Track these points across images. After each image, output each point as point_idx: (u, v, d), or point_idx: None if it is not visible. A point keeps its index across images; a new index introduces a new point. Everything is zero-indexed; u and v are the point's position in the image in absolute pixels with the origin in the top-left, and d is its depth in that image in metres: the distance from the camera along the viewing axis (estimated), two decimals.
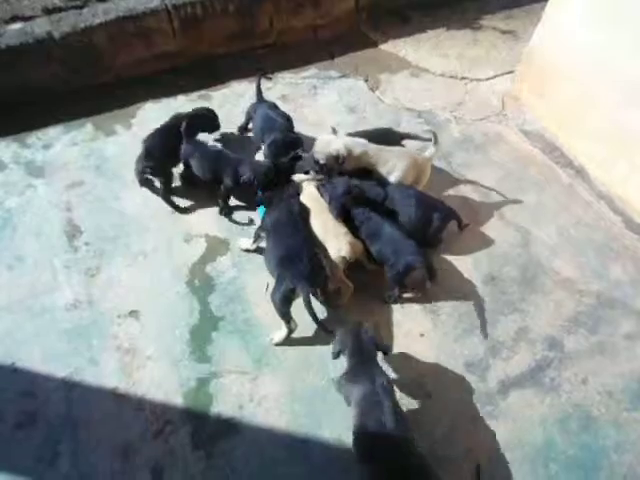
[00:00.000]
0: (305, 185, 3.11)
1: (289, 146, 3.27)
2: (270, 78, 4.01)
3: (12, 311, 2.80)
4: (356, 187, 2.96)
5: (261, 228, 2.98)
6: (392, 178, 3.16)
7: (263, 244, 2.96)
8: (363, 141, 3.20)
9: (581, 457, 2.43)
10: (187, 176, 3.39)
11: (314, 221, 2.89)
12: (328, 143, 3.11)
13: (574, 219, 3.42)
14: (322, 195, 3.01)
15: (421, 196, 3.06)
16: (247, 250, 3.09)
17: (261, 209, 3.10)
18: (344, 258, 2.74)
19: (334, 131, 3.25)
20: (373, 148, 3.17)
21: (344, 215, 2.91)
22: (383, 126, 3.73)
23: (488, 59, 4.68)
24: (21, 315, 2.79)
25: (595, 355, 2.79)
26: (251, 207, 3.33)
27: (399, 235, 2.83)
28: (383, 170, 3.17)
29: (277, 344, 2.71)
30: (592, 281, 3.09)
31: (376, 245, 2.87)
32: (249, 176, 3.12)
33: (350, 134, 3.33)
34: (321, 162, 3.11)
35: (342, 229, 2.85)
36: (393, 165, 3.15)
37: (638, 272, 3.15)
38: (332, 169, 3.14)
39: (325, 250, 2.81)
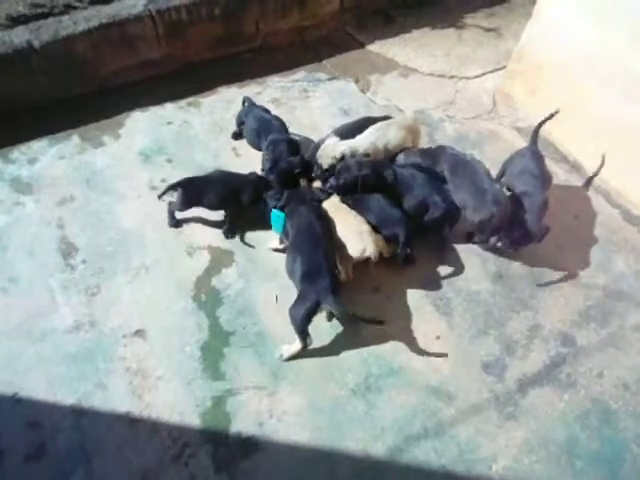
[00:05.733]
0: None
1: (288, 146, 3.25)
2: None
3: (10, 337, 2.65)
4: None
5: (284, 234, 2.91)
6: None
7: None
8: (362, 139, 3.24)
9: (604, 451, 2.44)
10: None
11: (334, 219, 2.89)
12: (333, 148, 3.12)
13: (574, 214, 3.45)
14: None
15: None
16: (276, 250, 3.04)
17: (274, 214, 3.01)
18: (366, 257, 2.76)
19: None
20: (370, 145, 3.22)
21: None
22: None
23: (475, 57, 4.70)
24: (20, 341, 2.64)
25: (607, 348, 2.81)
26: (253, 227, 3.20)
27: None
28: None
29: (287, 359, 2.63)
30: (597, 275, 3.12)
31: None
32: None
33: (334, 131, 3.38)
34: (325, 167, 3.11)
35: (364, 226, 2.83)
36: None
37: None
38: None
39: (341, 248, 2.80)
